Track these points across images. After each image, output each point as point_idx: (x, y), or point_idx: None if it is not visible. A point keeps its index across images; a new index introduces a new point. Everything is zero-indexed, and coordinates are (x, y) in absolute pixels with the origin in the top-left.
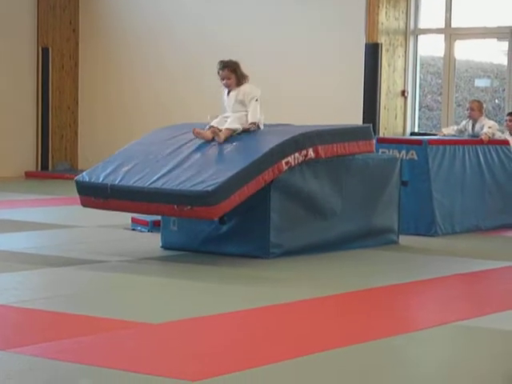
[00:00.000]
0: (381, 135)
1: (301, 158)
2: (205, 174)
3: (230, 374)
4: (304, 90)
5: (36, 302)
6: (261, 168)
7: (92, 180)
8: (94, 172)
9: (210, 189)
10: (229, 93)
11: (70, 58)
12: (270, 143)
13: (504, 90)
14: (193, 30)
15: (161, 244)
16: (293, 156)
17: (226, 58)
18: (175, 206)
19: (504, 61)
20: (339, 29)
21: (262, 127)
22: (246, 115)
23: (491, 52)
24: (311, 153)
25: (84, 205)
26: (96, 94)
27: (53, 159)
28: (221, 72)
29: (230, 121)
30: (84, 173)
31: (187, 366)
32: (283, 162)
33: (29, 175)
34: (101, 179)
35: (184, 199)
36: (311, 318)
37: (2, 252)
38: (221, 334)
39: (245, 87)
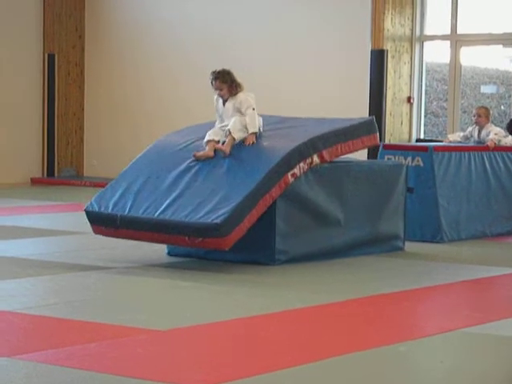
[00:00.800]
0: (386, 142)
1: (306, 167)
2: (212, 200)
3: (237, 380)
4: (309, 96)
5: (43, 308)
6: (267, 187)
7: (101, 210)
8: (103, 199)
9: (218, 221)
10: (224, 103)
11: (76, 65)
12: (274, 156)
13: (510, 96)
14: (197, 35)
15: (167, 251)
16: (298, 166)
17: (219, 68)
18: (186, 238)
19: (510, 67)
20: (345, 35)
21: (261, 130)
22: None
23: (497, 58)
24: (316, 159)
25: (96, 233)
26: (101, 101)
27: (58, 165)
28: (213, 83)
29: (231, 125)
30: (93, 200)
31: (194, 373)
32: (289, 174)
33: (35, 181)
34: (110, 208)
35: (194, 231)
36: (316, 324)
37: (8, 258)
38: (227, 341)
39: (240, 96)
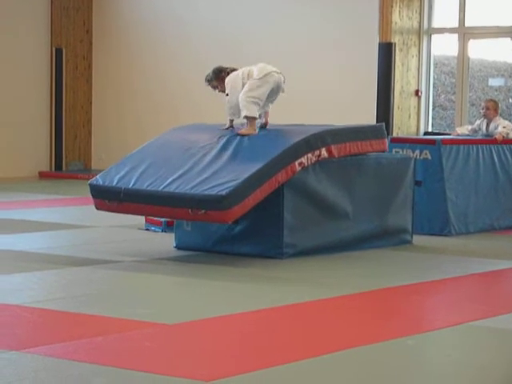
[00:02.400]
0: (394, 135)
1: (314, 159)
2: (218, 177)
3: (243, 374)
4: (317, 89)
5: (50, 302)
6: (274, 170)
7: (106, 183)
8: (108, 175)
9: (223, 193)
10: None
11: (84, 59)
12: (282, 144)
13: None
14: (204, 30)
15: (174, 244)
16: (306, 156)
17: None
18: (189, 210)
19: None
20: (352, 28)
21: (283, 86)
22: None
23: (505, 51)
24: (324, 152)
25: (98, 208)
26: (109, 94)
27: (66, 159)
28: (211, 87)
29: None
30: (98, 176)
31: (201, 366)
32: (296, 162)
33: (43, 175)
34: (114, 183)
35: (198, 203)
36: (324, 318)
37: (16, 252)
38: (235, 334)
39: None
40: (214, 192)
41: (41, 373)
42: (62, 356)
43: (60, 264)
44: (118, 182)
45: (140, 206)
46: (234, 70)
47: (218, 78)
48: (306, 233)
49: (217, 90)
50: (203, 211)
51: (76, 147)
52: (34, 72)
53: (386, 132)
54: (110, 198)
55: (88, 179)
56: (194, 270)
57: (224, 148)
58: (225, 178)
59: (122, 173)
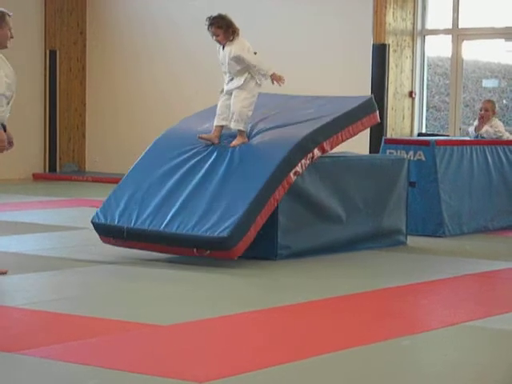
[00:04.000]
0: (388, 136)
1: (308, 162)
2: (216, 210)
3: (237, 375)
4: (310, 90)
5: (44, 303)
6: (271, 190)
7: (108, 222)
8: (109, 209)
9: (225, 234)
10: (224, 48)
11: (78, 61)
12: (275, 156)
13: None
14: (200, 32)
15: None
16: (300, 164)
17: (214, 14)
18: (194, 250)
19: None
20: (346, 29)
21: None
22: (243, 82)
23: (499, 52)
24: (317, 152)
25: (105, 243)
26: (103, 96)
27: (60, 161)
28: (209, 29)
29: (234, 118)
30: (98, 211)
31: (195, 368)
32: (291, 174)
33: (36, 177)
34: (116, 221)
35: (201, 244)
36: (319, 319)
37: (11, 254)
38: (229, 336)
39: (235, 44)
40: (215, 233)
41: (35, 374)
42: (56, 358)
43: (54, 266)
44: (119, 220)
45: (145, 244)
46: (238, 33)
47: (225, 29)
48: (300, 234)
49: (214, 37)
50: (208, 251)
51: (70, 149)
52: (27, 74)
53: (375, 104)
54: (114, 236)
55: (82, 181)
56: (188, 272)
57: (216, 163)
58: (223, 212)
59: (122, 206)
